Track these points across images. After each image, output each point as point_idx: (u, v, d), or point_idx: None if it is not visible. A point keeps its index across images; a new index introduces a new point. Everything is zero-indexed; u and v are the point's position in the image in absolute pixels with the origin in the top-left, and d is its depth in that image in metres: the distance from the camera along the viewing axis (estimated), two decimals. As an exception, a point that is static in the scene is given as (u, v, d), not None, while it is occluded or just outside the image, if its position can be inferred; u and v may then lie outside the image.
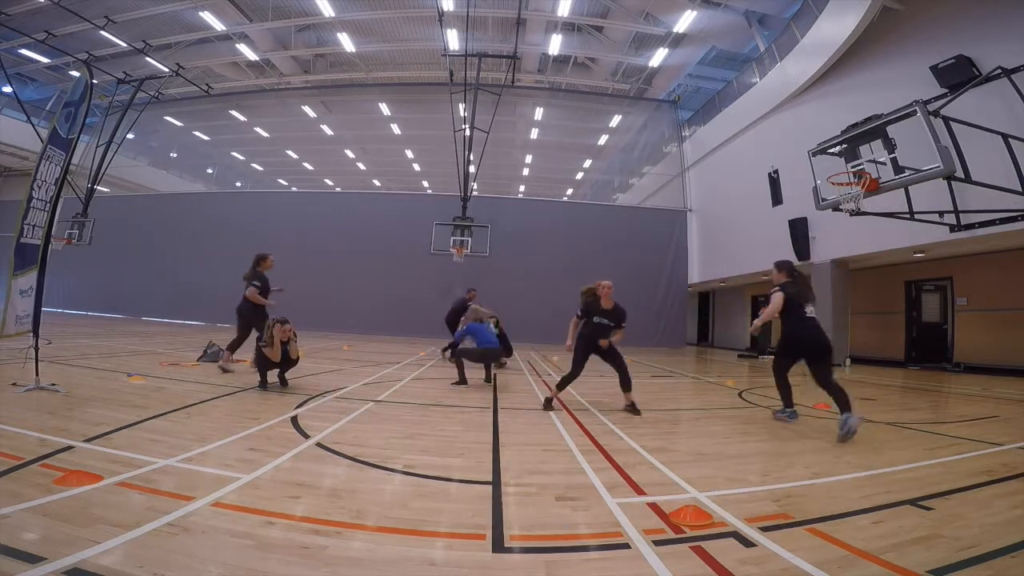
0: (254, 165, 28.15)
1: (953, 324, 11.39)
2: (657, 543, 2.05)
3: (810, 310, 4.50)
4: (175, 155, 25.03)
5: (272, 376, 5.52)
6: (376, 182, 30.03)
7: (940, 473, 3.14)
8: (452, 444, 3.59)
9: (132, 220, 19.17)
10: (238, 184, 27.45)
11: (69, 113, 4.90)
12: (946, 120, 6.57)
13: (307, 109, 21.44)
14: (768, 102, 13.92)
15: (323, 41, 17.78)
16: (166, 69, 16.92)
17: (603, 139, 22.67)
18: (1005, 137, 6.85)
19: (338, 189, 27.34)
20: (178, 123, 22.69)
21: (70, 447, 2.93)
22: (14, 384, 4.55)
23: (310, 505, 2.34)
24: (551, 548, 2.02)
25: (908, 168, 6.53)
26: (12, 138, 18.23)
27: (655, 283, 17.30)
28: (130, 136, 17.84)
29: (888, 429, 4.60)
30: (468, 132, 15.64)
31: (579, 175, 27.64)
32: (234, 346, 6.66)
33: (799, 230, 12.41)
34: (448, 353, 9.04)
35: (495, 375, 6.90)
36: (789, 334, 4.56)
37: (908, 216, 7.71)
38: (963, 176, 6.45)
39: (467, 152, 15.63)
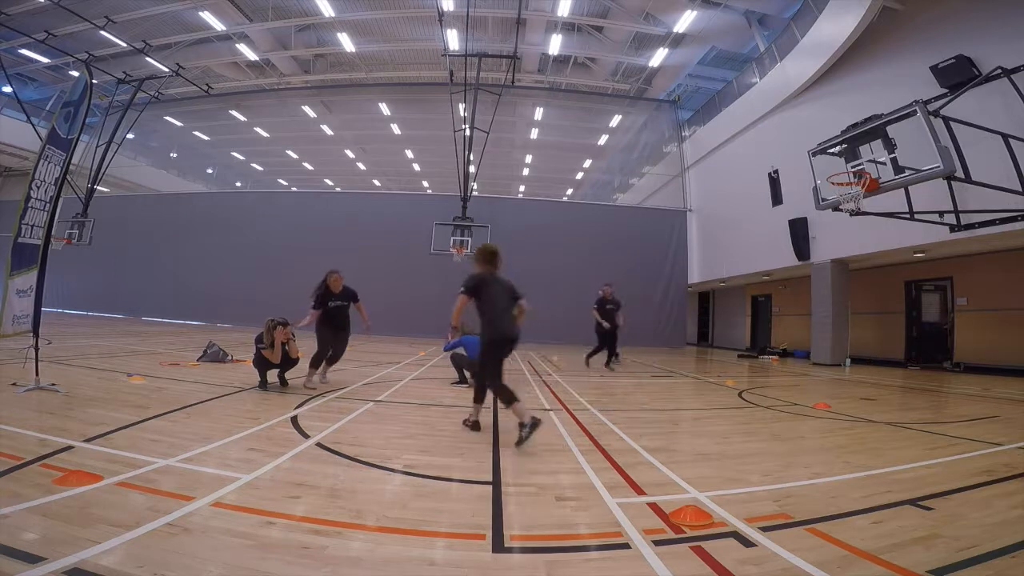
0: (254, 165, 28.16)
1: (953, 324, 11.39)
2: (657, 543, 2.04)
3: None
4: (175, 155, 25.05)
5: (272, 376, 5.52)
6: (376, 182, 30.03)
7: (940, 473, 3.14)
8: (452, 444, 3.59)
9: (132, 220, 19.19)
10: (238, 184, 27.45)
11: (68, 113, 4.90)
12: (946, 120, 6.57)
13: (307, 109, 21.44)
14: (768, 102, 13.92)
15: (323, 41, 17.78)
16: (166, 69, 16.92)
17: (603, 139, 22.68)
18: (1005, 137, 6.85)
19: (338, 189, 27.35)
20: (178, 123, 22.69)
21: (70, 447, 2.93)
22: (14, 384, 4.55)
23: (310, 505, 2.34)
24: (551, 548, 2.02)
25: (908, 168, 6.52)
26: (12, 138, 18.23)
27: (655, 283, 17.32)
28: (130, 136, 17.84)
29: (888, 429, 4.60)
30: (468, 132, 15.64)
31: (579, 175, 27.64)
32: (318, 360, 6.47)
33: (799, 230, 12.42)
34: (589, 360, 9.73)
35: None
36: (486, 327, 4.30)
37: (908, 216, 7.71)
38: (963, 176, 6.45)
39: (467, 152, 15.63)
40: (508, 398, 3.62)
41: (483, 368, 3.80)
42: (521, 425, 3.47)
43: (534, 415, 3.57)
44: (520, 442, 3.47)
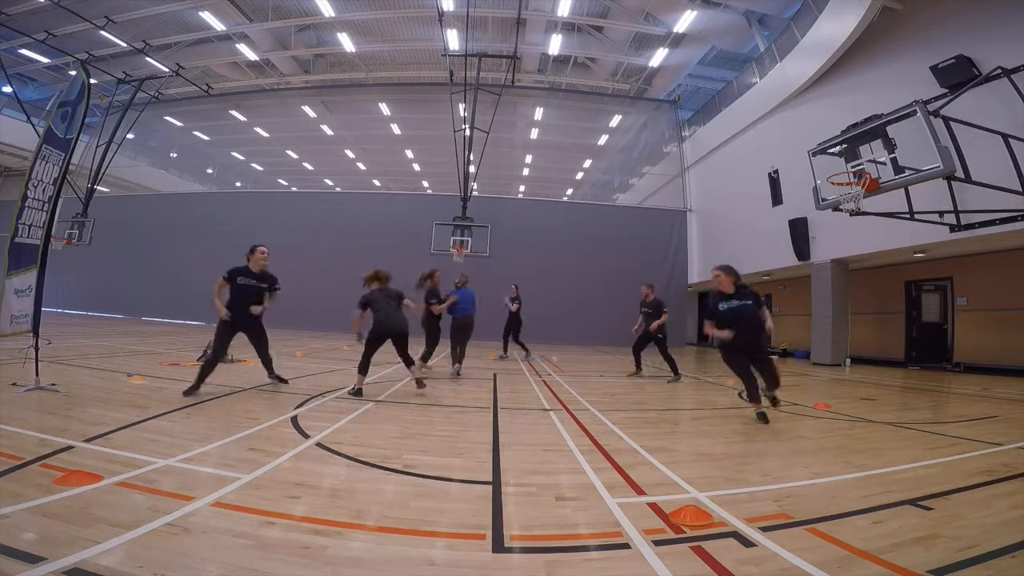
0: (254, 165, 28.15)
1: (953, 324, 11.39)
2: (657, 543, 2.05)
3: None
4: (175, 155, 25.04)
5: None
6: (376, 182, 30.03)
7: (940, 473, 3.14)
8: (452, 444, 3.59)
9: (132, 220, 19.18)
10: (238, 184, 27.45)
11: (65, 113, 4.88)
12: (946, 120, 6.57)
13: (307, 109, 21.44)
14: (768, 102, 13.92)
15: (323, 41, 17.79)
16: (166, 69, 16.93)
17: (603, 139, 22.68)
18: (1005, 137, 6.85)
19: (338, 189, 27.34)
20: (178, 123, 22.70)
21: (70, 447, 2.93)
22: (14, 384, 4.54)
23: (310, 505, 2.34)
24: (551, 548, 2.02)
25: (908, 168, 6.53)
26: (12, 138, 18.26)
27: (655, 283, 17.31)
28: (130, 136, 17.85)
29: (888, 429, 4.60)
30: (468, 132, 15.64)
31: (579, 175, 27.65)
32: (426, 356, 7.23)
33: (799, 230, 12.41)
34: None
35: (495, 375, 6.93)
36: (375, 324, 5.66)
37: (908, 216, 7.71)
38: (963, 176, 6.45)
39: (467, 152, 15.63)
40: (361, 367, 5.34)
41: (367, 345, 5.39)
42: (355, 387, 5.27)
43: (361, 387, 5.25)
44: (352, 391, 5.21)
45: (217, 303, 5.06)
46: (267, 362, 5.59)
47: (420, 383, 5.59)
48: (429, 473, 2.88)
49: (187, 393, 4.69)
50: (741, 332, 4.57)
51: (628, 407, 5.54)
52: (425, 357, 7.08)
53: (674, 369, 7.80)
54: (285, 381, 5.66)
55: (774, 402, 4.91)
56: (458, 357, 7.41)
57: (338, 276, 17.66)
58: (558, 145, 23.72)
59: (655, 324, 7.70)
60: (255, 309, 5.20)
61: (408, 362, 5.60)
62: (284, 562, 1.79)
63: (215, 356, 4.98)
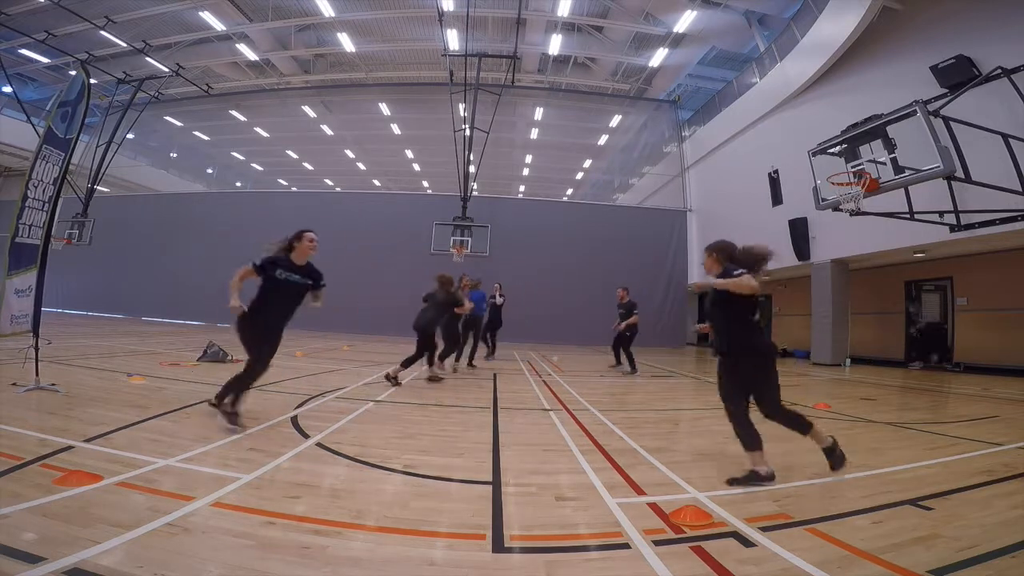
0: (254, 165, 28.14)
1: (953, 324, 11.39)
2: (657, 543, 2.05)
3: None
4: (175, 155, 25.04)
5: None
6: (376, 182, 30.02)
7: (940, 473, 3.14)
8: (452, 444, 3.59)
9: (132, 220, 19.16)
10: (238, 184, 27.44)
11: (65, 113, 4.88)
12: (946, 120, 6.58)
13: (307, 109, 21.43)
14: (768, 102, 13.92)
15: (323, 41, 17.78)
16: (166, 69, 16.92)
17: (603, 139, 22.67)
18: (1005, 137, 6.85)
19: (338, 189, 27.33)
20: (178, 123, 22.68)
21: (70, 447, 2.93)
22: (14, 384, 4.54)
23: (310, 505, 2.34)
24: (551, 548, 2.02)
25: (908, 168, 6.53)
26: (12, 138, 18.24)
27: (655, 283, 17.30)
28: (130, 136, 17.84)
29: (888, 429, 4.60)
30: (468, 132, 15.64)
31: (579, 175, 27.64)
32: (444, 355, 7.36)
33: (799, 230, 12.41)
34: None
35: (495, 375, 6.94)
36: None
37: (908, 216, 7.71)
38: (963, 176, 6.45)
39: (467, 152, 15.63)
40: (408, 362, 6.33)
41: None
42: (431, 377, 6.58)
43: (435, 374, 6.60)
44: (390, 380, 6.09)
45: (232, 291, 3.77)
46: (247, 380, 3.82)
47: (394, 381, 6.11)
48: (429, 473, 2.88)
49: (231, 422, 3.57)
50: (714, 328, 3.11)
51: (628, 407, 5.54)
52: (442, 356, 7.27)
53: (618, 360, 9.25)
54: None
55: (835, 461, 3.07)
56: (467, 353, 8.39)
57: (338, 276, 17.50)
58: (558, 145, 23.71)
59: (623, 323, 8.87)
60: (316, 304, 4.10)
61: (406, 362, 6.22)
62: (284, 562, 1.79)
63: (254, 358, 3.77)
